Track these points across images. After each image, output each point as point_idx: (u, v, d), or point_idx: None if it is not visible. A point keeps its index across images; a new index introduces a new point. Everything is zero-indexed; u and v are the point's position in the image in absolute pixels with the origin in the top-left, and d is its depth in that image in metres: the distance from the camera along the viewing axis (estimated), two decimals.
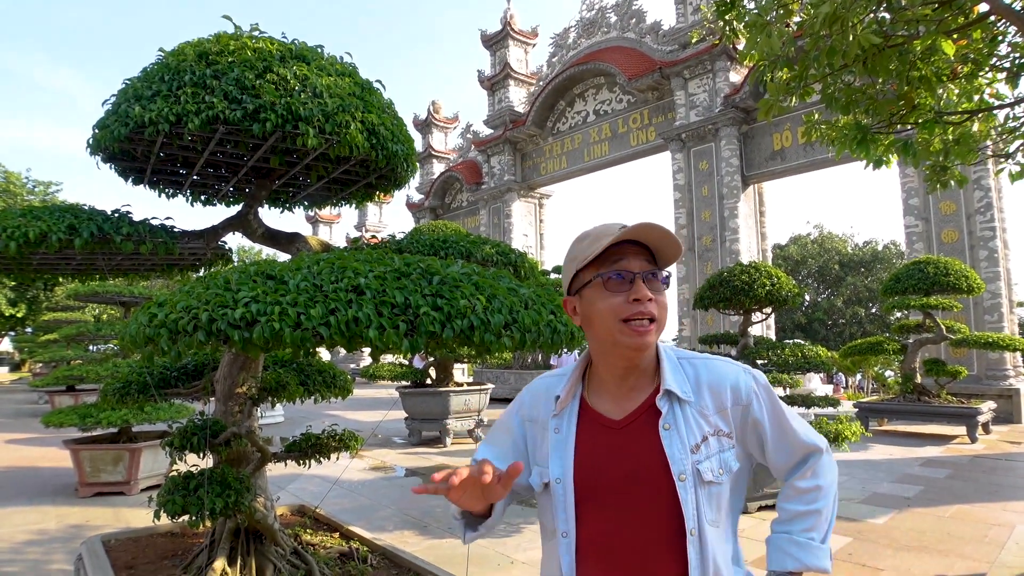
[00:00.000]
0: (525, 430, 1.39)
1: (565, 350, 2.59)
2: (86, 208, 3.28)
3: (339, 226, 37.97)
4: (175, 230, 3.60)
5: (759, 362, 7.19)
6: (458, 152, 27.61)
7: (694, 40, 13.33)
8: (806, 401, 6.72)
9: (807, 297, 39.30)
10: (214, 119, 3.32)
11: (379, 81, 4.27)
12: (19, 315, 28.28)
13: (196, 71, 3.50)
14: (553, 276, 15.46)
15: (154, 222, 3.51)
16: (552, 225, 27.14)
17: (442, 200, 27.42)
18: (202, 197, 4.28)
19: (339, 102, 3.68)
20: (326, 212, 35.25)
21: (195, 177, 4.05)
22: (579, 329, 2.65)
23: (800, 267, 40.20)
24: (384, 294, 2.00)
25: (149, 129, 3.28)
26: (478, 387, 10.98)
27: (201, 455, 3.23)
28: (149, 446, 7.28)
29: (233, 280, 2.11)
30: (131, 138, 3.44)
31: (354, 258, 2.26)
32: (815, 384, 16.10)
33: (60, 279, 3.90)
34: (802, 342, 7.72)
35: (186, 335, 1.99)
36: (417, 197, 28.39)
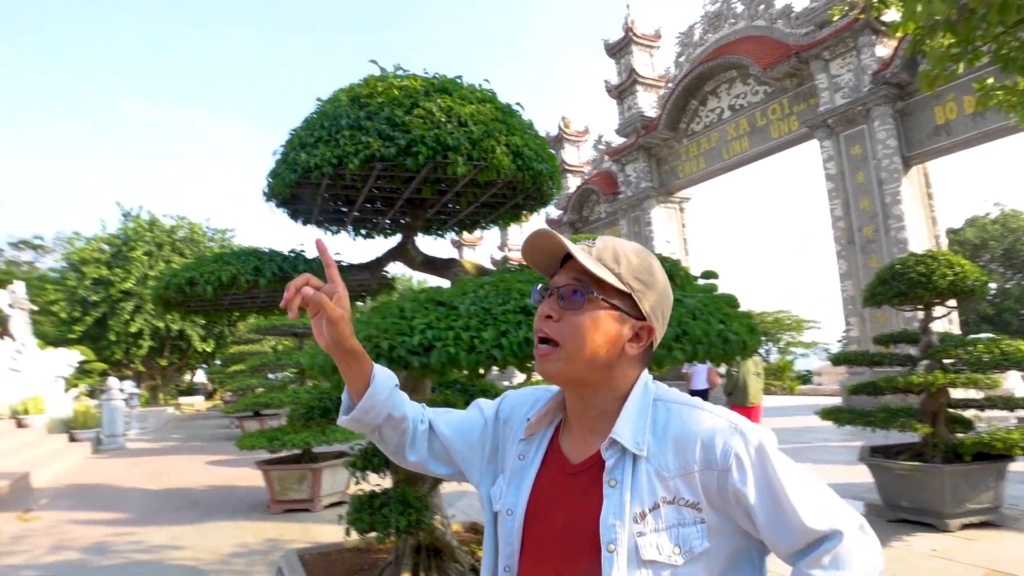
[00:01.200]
0: (499, 425, 1.23)
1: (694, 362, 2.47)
2: (266, 251, 3.61)
3: (482, 248, 39.12)
4: (343, 264, 3.86)
5: (946, 361, 6.50)
6: (592, 164, 27.60)
7: (835, 18, 12.44)
8: (1008, 403, 5.98)
9: (993, 285, 35.16)
10: (371, 158, 3.53)
11: (518, 104, 4.35)
12: (209, 349, 31.66)
13: (351, 115, 3.74)
14: (701, 282, 14.92)
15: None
16: (696, 229, 26.32)
17: (580, 213, 27.49)
18: (363, 231, 4.57)
19: (484, 128, 3.77)
20: (469, 235, 36.36)
21: (356, 213, 4.34)
22: (753, 337, 2.52)
23: (981, 252, 36.07)
24: None
25: (315, 173, 3.55)
26: None
27: (381, 474, 3.40)
28: (329, 466, 7.84)
29: (407, 308, 2.22)
30: (299, 183, 3.75)
31: (516, 279, 2.30)
32: (1014, 383, 14.28)
33: (245, 316, 4.31)
34: (994, 336, 6.89)
35: None
36: (555, 213, 28.67)
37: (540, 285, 1.07)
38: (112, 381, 15.65)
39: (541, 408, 1.16)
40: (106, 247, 30.80)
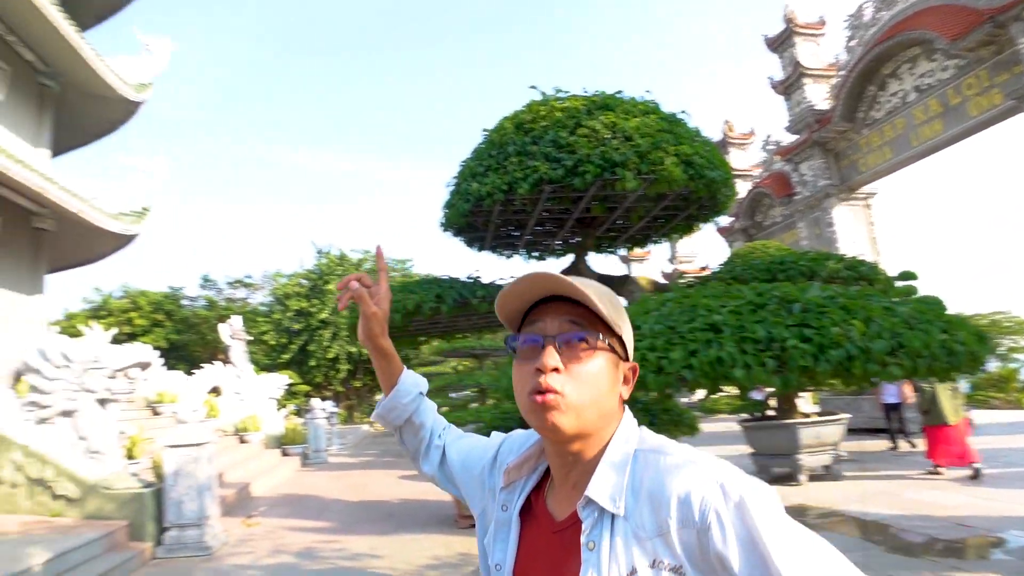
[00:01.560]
0: (495, 469, 1.15)
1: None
2: (446, 278, 3.78)
3: (650, 262, 38.41)
4: None
5: None
6: (761, 167, 26.19)
7: None
8: None
9: None
10: (539, 181, 3.58)
11: (683, 111, 4.22)
12: None
13: (517, 141, 3.82)
14: (899, 284, 13.53)
15: (500, 282, 3.91)
16: (885, 226, 23.94)
17: (752, 219, 26.13)
18: (535, 253, 4.66)
19: (650, 140, 3.69)
20: (636, 249, 35.93)
21: (528, 236, 4.43)
22: (982, 347, 2.20)
23: None
24: (743, 329, 1.89)
25: (487, 201, 3.66)
26: (831, 417, 9.92)
27: None
28: None
29: None
30: (472, 211, 3.89)
31: (701, 294, 2.20)
32: None
33: (430, 340, 4.55)
34: None
35: None
36: (726, 220, 27.52)
37: (524, 337, 0.99)
38: (315, 402, 17.25)
39: (521, 455, 1.09)
40: (304, 282, 34.42)
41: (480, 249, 4.37)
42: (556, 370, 0.94)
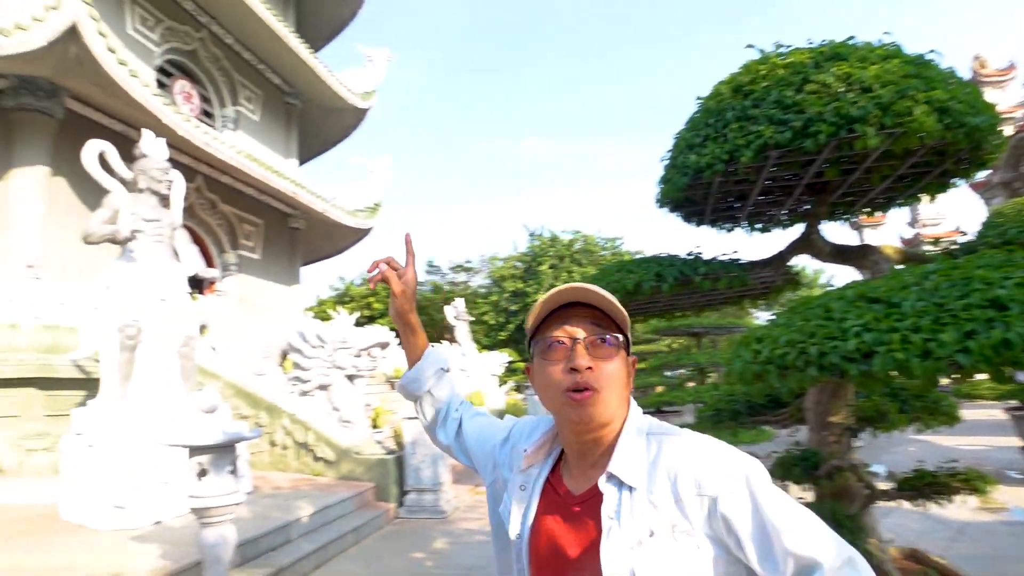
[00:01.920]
0: (506, 447, 1.32)
1: None
2: (665, 256, 3.66)
3: (884, 228, 34.37)
4: (742, 262, 3.71)
5: None
6: None
7: None
8: None
9: None
10: (763, 147, 3.31)
11: (932, 51, 3.65)
12: None
13: (736, 106, 3.57)
14: None
15: (723, 258, 3.70)
16: None
17: (1016, 170, 22.19)
18: (758, 225, 4.34)
19: (894, 89, 3.25)
20: (871, 215, 32.44)
21: (750, 208, 4.15)
22: None
23: None
24: None
25: (706, 173, 3.47)
26: None
27: (803, 487, 3.15)
28: None
29: (834, 308, 1.99)
30: (690, 185, 3.72)
31: (974, 264, 1.88)
32: None
33: (648, 319, 4.46)
34: None
35: (796, 371, 1.94)
36: (982, 175, 23.68)
37: (551, 340, 1.12)
38: None
39: (537, 440, 1.23)
40: (519, 264, 35.91)
41: (698, 224, 4.17)
42: (589, 368, 1.09)
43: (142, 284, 6.40)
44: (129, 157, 6.91)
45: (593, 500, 1.10)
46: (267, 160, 15.76)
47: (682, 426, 1.12)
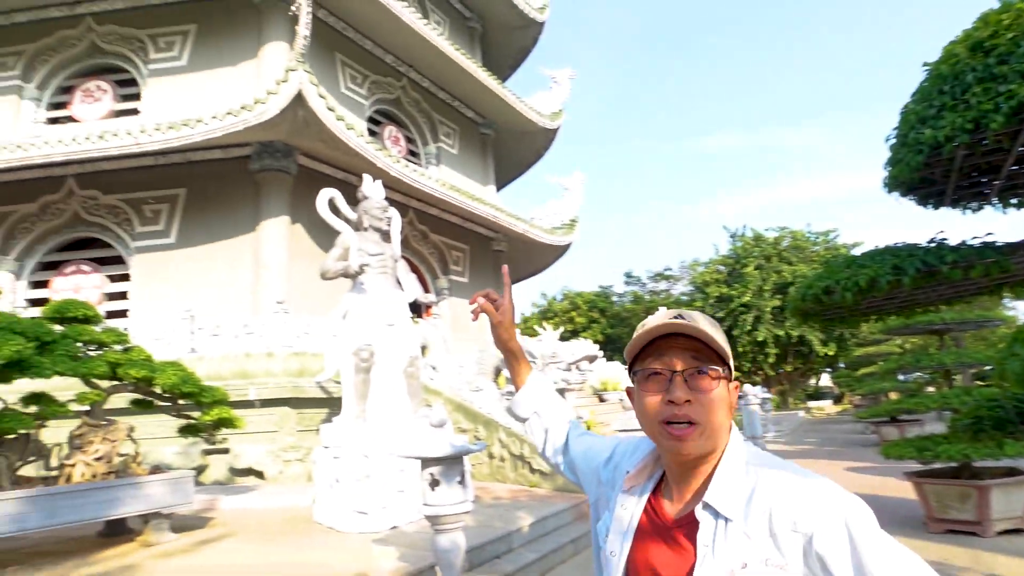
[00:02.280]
0: (610, 466, 1.35)
1: None
2: (902, 246, 3.27)
3: None
4: (999, 245, 3.20)
5: None
6: None
7: None
8: None
9: None
10: (1018, 108, 2.84)
11: None
12: (831, 353, 31.58)
13: (975, 66, 3.10)
14: None
15: (972, 242, 3.21)
16: None
17: None
18: (1012, 201, 3.73)
19: None
20: None
21: (1000, 181, 3.57)
22: None
23: None
24: None
25: (946, 147, 3.05)
26: None
27: None
28: (999, 484, 6.58)
29: None
30: (926, 163, 3.29)
31: None
32: None
33: (885, 318, 4.01)
34: None
35: None
36: None
37: (649, 371, 1.14)
38: (747, 388, 17.02)
39: (640, 462, 1.26)
40: (722, 268, 34.35)
41: (936, 207, 3.67)
42: (688, 401, 1.10)
43: (372, 312, 7.09)
44: (352, 200, 7.75)
45: (691, 526, 1.12)
46: (468, 189, 16.78)
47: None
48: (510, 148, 20.93)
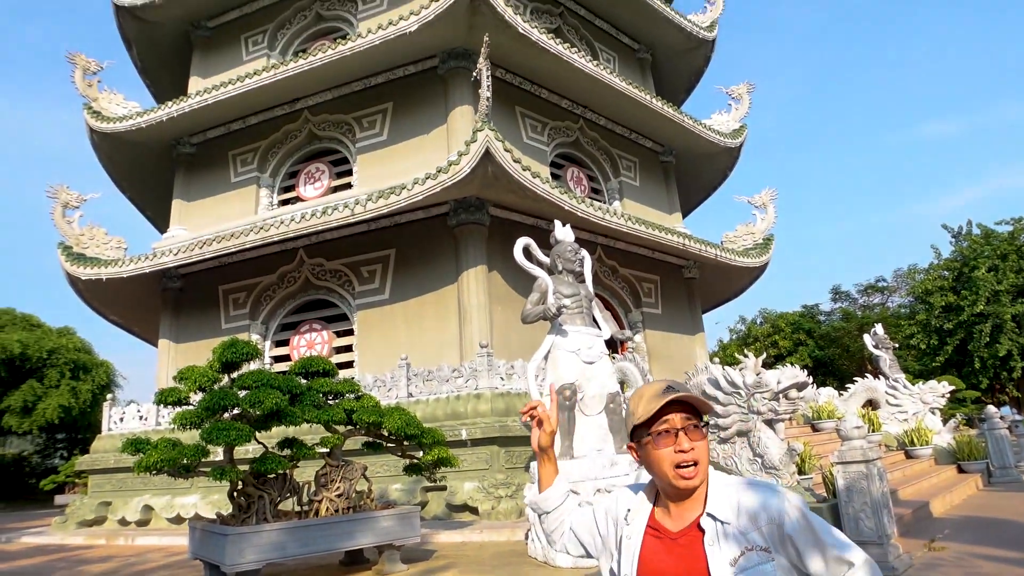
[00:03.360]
0: (607, 519, 1.74)
1: None
2: None
3: None
4: None
5: None
6: None
7: None
8: None
9: None
10: None
11: None
12: None
13: None
14: None
15: None
16: None
17: None
18: None
19: None
20: None
21: None
22: None
23: None
24: None
25: None
26: None
27: None
28: None
29: None
30: None
31: None
32: None
33: None
34: None
35: None
36: None
37: (660, 430, 1.57)
38: (991, 409, 14.83)
39: (636, 499, 1.70)
40: (946, 273, 30.16)
41: None
42: (692, 449, 1.53)
43: (572, 352, 7.34)
44: (544, 244, 8.14)
45: (693, 534, 1.55)
46: (654, 219, 16.72)
47: None
48: (693, 173, 20.53)
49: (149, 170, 17.94)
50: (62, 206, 15.38)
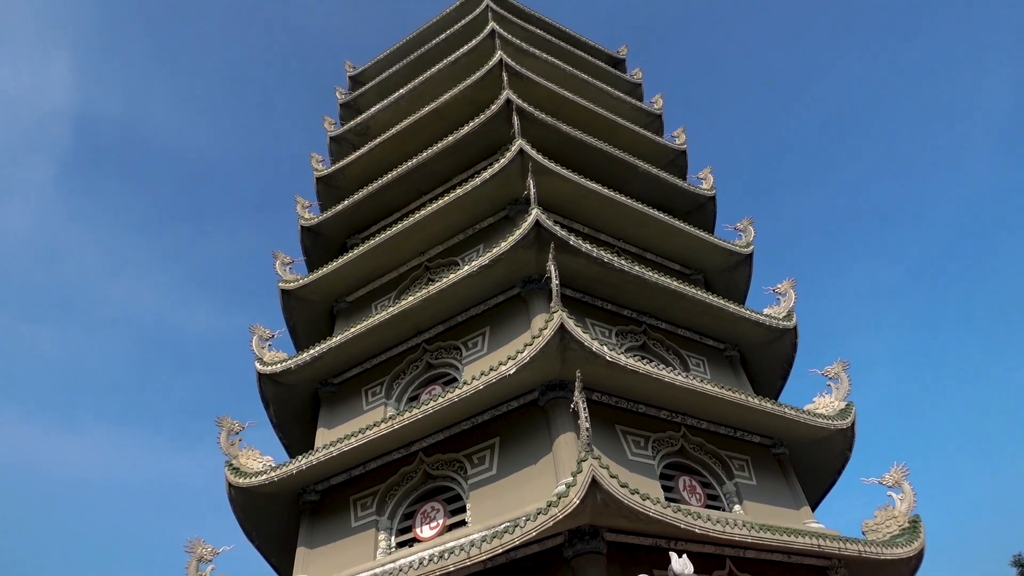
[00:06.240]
0: None
1: None
2: None
3: None
4: None
5: None
6: None
7: None
8: None
9: None
10: None
11: None
12: None
13: None
14: None
15: None
16: None
17: None
18: None
19: None
20: None
21: None
22: None
23: None
24: None
25: None
26: None
27: None
28: None
29: None
30: None
31: None
32: None
33: None
34: None
35: None
36: None
37: None
38: None
39: None
40: None
41: None
42: None
43: None
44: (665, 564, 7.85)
45: None
46: (780, 519, 15.75)
47: None
48: (810, 460, 19.64)
49: (276, 519, 18.91)
50: (196, 560, 16.29)
